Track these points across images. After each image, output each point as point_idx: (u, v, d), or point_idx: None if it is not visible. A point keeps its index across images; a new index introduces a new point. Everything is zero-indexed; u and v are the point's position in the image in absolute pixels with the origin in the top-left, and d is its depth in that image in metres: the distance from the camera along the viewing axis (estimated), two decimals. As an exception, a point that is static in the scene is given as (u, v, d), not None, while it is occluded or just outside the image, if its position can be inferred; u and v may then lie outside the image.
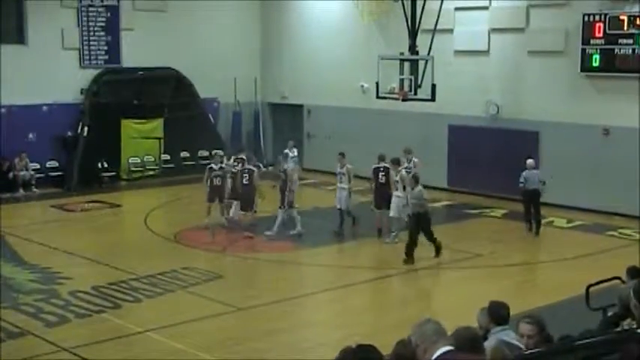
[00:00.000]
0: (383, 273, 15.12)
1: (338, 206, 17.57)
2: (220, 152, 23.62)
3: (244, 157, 18.35)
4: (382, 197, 17.10)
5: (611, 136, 19.58)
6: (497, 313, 6.62)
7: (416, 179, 15.54)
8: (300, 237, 17.01)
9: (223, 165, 17.98)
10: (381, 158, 17.39)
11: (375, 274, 14.99)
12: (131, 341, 11.32)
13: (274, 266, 15.67)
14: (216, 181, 17.72)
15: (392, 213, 16.80)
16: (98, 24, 24.29)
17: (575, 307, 10.45)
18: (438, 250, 15.55)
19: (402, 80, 19.90)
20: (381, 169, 17.22)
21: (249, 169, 17.40)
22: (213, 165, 18.06)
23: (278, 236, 17.00)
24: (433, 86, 19.29)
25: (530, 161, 17.99)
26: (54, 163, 23.59)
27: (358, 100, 24.47)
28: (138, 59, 24.67)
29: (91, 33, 24.20)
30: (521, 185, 17.83)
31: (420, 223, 15.30)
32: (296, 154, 20.43)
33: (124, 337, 11.45)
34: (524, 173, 17.83)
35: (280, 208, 17.17)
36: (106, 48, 24.50)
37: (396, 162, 16.96)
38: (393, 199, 16.76)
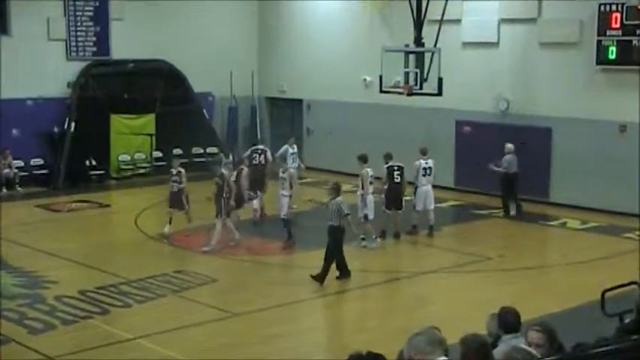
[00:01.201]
0: (386, 277, 15.11)
1: (282, 215, 16.90)
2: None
3: (264, 147, 19.45)
4: (396, 198, 17.08)
5: (627, 133, 19.54)
6: (507, 320, 6.60)
7: (336, 189, 14.58)
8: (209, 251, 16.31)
9: (181, 169, 17.65)
10: (389, 157, 17.33)
11: (378, 278, 14.98)
12: (120, 349, 11.31)
13: (271, 269, 15.68)
14: (173, 187, 17.46)
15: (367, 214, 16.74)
16: (86, 13, 24.26)
17: (589, 314, 10.44)
18: (342, 273, 14.43)
19: (406, 74, 19.87)
20: (396, 167, 17.18)
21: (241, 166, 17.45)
22: (172, 169, 17.95)
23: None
24: (440, 80, 19.25)
25: (509, 145, 19.30)
26: (39, 161, 23.57)
27: (360, 94, 24.46)
28: (128, 51, 24.65)
29: (79, 23, 24.17)
30: (504, 170, 19.21)
31: (332, 238, 14.31)
32: (296, 150, 20.45)
33: (113, 345, 11.43)
34: (506, 157, 19.24)
35: (217, 217, 16.39)
36: (94, 39, 24.47)
37: (364, 159, 16.89)
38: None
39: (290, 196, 16.90)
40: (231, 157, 19.23)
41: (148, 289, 13.89)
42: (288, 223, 16.78)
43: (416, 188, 17.76)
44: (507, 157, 19.34)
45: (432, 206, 17.83)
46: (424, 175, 17.71)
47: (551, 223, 19.31)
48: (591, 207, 19.93)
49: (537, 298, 13.16)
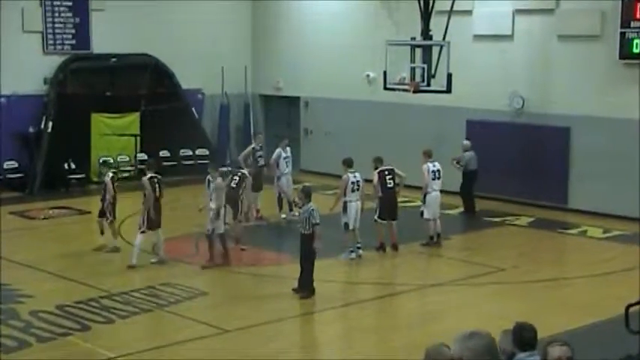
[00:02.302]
0: (390, 290, 15.11)
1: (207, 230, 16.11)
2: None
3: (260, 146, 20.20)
4: (391, 206, 17.05)
5: (653, 133, 19.59)
6: (523, 337, 6.59)
7: (307, 194, 14.45)
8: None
9: (106, 178, 17.37)
10: (379, 161, 17.24)
11: (380, 292, 14.98)
12: (101, 368, 11.31)
13: (266, 281, 15.65)
14: (106, 195, 17.21)
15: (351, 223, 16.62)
16: (64, 4, 24.28)
17: (612, 330, 10.45)
18: (301, 288, 14.22)
19: (413, 69, 19.92)
20: (387, 172, 17.13)
21: (241, 172, 17.42)
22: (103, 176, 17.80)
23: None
24: (449, 76, 19.30)
25: (467, 142, 20.53)
26: (13, 164, 23.59)
27: (363, 91, 24.49)
28: (110, 44, 24.65)
29: (56, 14, 24.19)
30: (463, 167, 20.11)
31: (304, 247, 14.19)
32: (289, 154, 20.35)
33: (93, 364, 11.44)
34: (466, 154, 20.14)
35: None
36: (73, 31, 24.49)
37: (348, 163, 16.85)
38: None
39: (216, 210, 15.97)
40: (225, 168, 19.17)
41: (132, 303, 13.87)
42: (211, 240, 16.12)
43: (425, 195, 17.68)
44: (467, 154, 20.20)
45: (438, 213, 17.81)
46: (433, 179, 17.66)
47: (570, 231, 19.31)
48: (614, 214, 19.94)
49: (555, 313, 13.16)
